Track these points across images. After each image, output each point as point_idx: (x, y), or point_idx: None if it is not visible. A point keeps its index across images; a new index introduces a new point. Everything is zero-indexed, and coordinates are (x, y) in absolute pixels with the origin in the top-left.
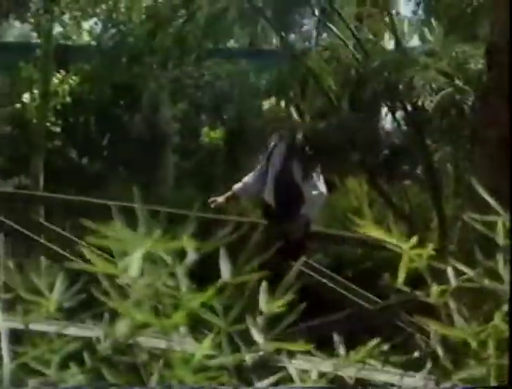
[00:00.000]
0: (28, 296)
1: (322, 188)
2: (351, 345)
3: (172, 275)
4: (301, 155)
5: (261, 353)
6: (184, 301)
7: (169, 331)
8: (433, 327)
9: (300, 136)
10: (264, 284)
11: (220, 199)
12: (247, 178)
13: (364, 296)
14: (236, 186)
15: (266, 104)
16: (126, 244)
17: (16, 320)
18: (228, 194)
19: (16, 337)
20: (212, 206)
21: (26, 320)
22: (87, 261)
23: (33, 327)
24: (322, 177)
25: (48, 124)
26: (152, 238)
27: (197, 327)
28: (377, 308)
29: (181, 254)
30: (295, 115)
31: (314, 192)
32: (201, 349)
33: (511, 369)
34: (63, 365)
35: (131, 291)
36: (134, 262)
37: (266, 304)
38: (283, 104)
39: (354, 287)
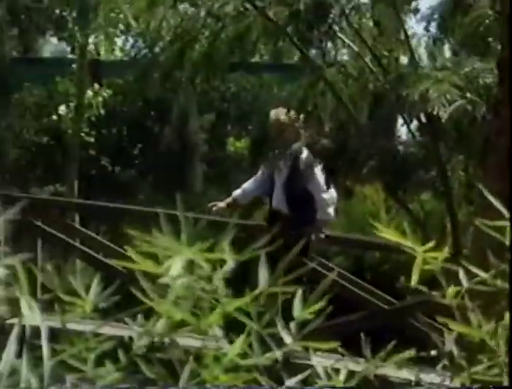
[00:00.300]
0: (66, 297)
1: (332, 191)
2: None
3: (210, 279)
4: (315, 162)
5: (286, 352)
6: (221, 305)
7: (204, 330)
8: (451, 326)
9: (308, 145)
10: (299, 293)
11: (221, 204)
12: (246, 185)
13: (381, 297)
14: (236, 192)
15: (273, 114)
16: (170, 251)
17: (54, 320)
18: (228, 199)
19: (54, 336)
20: (213, 209)
21: (63, 320)
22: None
23: (70, 326)
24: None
25: (82, 135)
26: (194, 246)
27: (229, 331)
28: (393, 308)
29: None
30: (301, 125)
31: (326, 196)
32: (233, 349)
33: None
34: (99, 363)
35: (170, 291)
36: (176, 263)
37: (300, 311)
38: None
39: (373, 289)
